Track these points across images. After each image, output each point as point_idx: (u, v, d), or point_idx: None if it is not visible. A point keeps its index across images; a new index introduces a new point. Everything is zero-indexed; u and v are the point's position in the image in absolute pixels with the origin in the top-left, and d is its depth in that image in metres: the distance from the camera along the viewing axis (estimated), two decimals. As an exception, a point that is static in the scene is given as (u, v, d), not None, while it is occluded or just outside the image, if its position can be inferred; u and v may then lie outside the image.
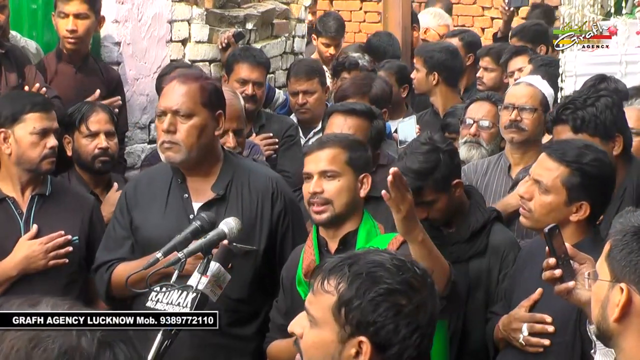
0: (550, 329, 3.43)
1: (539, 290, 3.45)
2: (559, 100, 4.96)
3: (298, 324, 2.35)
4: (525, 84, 4.90)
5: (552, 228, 2.93)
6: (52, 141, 4.24)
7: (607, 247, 2.25)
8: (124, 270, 3.67)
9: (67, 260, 4.20)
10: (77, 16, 5.21)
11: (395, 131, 5.79)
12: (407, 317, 2.23)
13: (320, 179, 3.57)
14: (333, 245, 3.57)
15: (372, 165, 3.85)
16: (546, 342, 3.43)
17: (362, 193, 3.59)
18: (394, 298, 2.23)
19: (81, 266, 4.31)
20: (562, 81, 5.39)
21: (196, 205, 3.76)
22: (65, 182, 4.68)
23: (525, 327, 3.47)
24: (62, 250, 4.20)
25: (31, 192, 4.27)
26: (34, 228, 4.20)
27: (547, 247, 2.92)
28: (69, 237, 4.23)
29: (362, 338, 2.22)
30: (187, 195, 3.79)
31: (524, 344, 3.47)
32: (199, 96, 3.73)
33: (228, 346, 3.73)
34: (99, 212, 4.46)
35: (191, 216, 3.67)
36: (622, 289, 2.14)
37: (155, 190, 3.85)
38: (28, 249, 4.15)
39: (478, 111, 5.08)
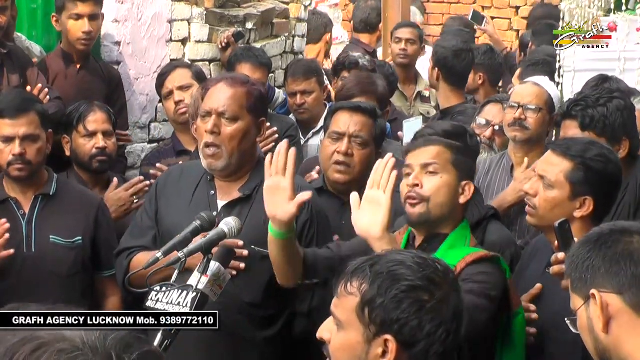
0: (534, 316, 3.43)
1: (538, 285, 3.45)
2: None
3: (326, 329, 2.35)
4: (531, 83, 4.87)
5: (562, 222, 2.92)
6: (16, 149, 4.15)
7: (568, 282, 2.25)
8: (142, 259, 3.61)
9: (11, 251, 3.99)
10: (92, 17, 5.18)
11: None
12: (431, 313, 2.24)
13: (420, 173, 3.38)
14: (419, 240, 3.42)
15: (474, 175, 3.58)
16: (532, 330, 3.43)
17: (462, 200, 3.38)
18: (415, 294, 2.25)
19: (85, 266, 4.26)
20: (560, 76, 5.38)
21: (221, 203, 3.75)
22: (72, 181, 4.63)
23: None
24: None
25: (34, 192, 4.22)
26: None
27: (556, 241, 2.91)
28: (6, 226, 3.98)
29: (388, 336, 2.24)
30: (213, 193, 3.78)
31: None
32: (245, 101, 3.73)
33: (237, 349, 3.68)
34: (105, 211, 4.41)
35: (214, 213, 3.61)
36: (594, 296, 2.14)
37: (185, 184, 3.84)
38: None
39: (497, 114, 5.01)
